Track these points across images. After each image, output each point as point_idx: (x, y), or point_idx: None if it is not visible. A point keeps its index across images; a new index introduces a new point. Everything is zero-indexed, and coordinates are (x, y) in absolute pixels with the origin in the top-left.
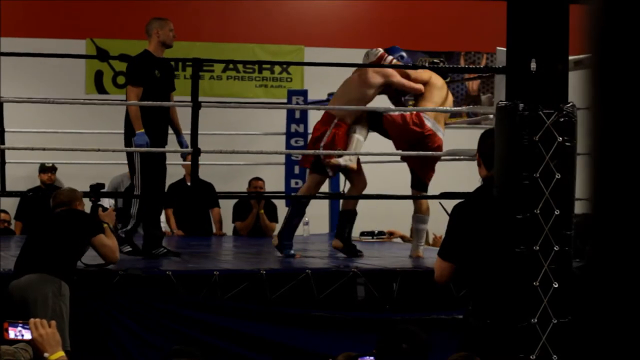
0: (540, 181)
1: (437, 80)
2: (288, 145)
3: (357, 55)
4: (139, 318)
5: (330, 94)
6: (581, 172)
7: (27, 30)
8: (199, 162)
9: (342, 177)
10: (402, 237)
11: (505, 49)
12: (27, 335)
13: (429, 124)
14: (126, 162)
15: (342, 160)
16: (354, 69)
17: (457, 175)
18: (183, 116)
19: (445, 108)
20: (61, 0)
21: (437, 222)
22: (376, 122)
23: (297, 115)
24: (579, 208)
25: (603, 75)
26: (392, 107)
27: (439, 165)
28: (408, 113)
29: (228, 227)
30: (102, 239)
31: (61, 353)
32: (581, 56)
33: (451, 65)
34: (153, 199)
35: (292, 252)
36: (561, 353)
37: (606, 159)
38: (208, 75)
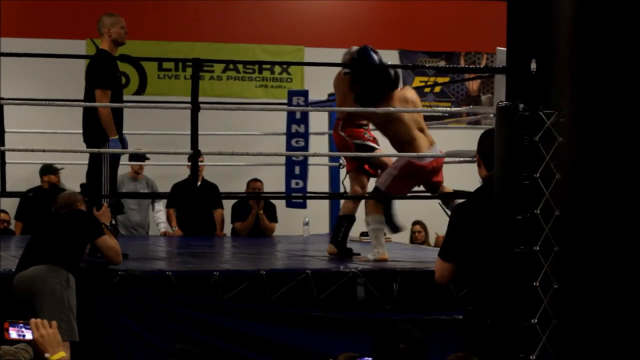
0: (541, 181)
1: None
2: (288, 146)
3: None
4: (139, 318)
5: (330, 95)
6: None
7: (27, 30)
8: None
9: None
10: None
11: (505, 49)
12: (28, 336)
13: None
14: (127, 163)
15: None
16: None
17: (457, 176)
18: (183, 116)
19: (445, 108)
20: (61, 1)
21: (440, 223)
22: None
23: (298, 115)
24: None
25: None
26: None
27: None
28: None
29: (227, 228)
30: (107, 240)
31: (62, 354)
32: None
33: (451, 65)
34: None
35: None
36: (561, 353)
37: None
38: (208, 76)
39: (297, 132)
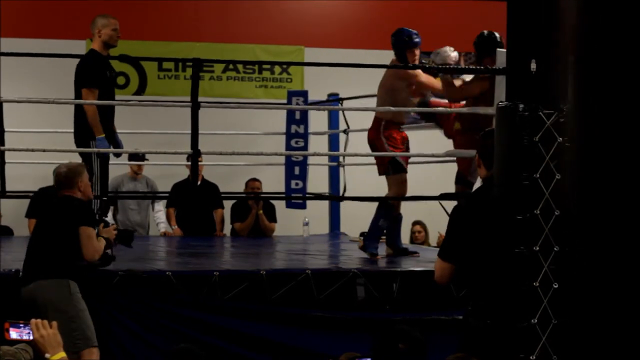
0: (540, 182)
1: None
2: (288, 146)
3: (357, 55)
4: (139, 318)
5: (330, 95)
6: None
7: (28, 30)
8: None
9: (341, 179)
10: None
11: (505, 50)
12: (28, 336)
13: None
14: (126, 162)
15: None
16: (353, 69)
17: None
18: (183, 116)
19: (445, 109)
20: (61, 1)
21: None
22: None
23: (297, 115)
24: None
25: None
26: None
27: (438, 166)
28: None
29: (226, 228)
30: (90, 231)
31: (62, 354)
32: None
33: (451, 66)
34: (106, 203)
35: (375, 252)
36: (561, 353)
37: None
38: (208, 76)
39: (296, 132)
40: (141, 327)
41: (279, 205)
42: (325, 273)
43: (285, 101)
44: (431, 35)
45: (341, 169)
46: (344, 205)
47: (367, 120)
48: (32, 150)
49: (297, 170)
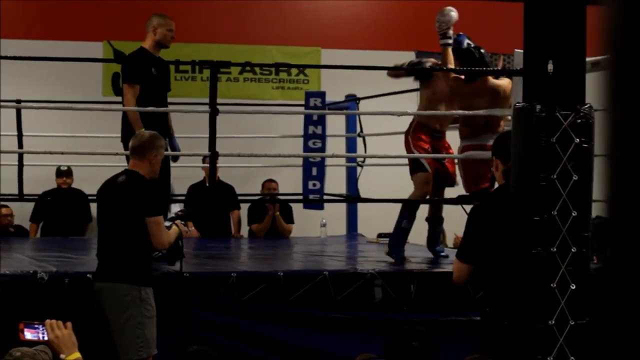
0: (558, 182)
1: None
2: (306, 147)
3: (374, 56)
4: (156, 319)
5: (347, 96)
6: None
7: (45, 32)
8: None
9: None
10: None
11: (522, 50)
12: (43, 337)
13: None
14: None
15: None
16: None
17: None
18: (201, 119)
19: (462, 112)
20: (78, 2)
21: (457, 223)
22: None
23: (315, 117)
24: (596, 210)
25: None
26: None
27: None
28: None
29: (243, 230)
30: (158, 219)
31: (77, 354)
32: (599, 57)
33: (468, 67)
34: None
35: (402, 255)
36: (579, 355)
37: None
38: (225, 77)
39: (314, 133)
40: (157, 328)
41: (297, 207)
42: (342, 274)
43: (302, 103)
44: None
45: (359, 169)
46: (362, 207)
47: (383, 120)
48: (51, 153)
49: (314, 171)
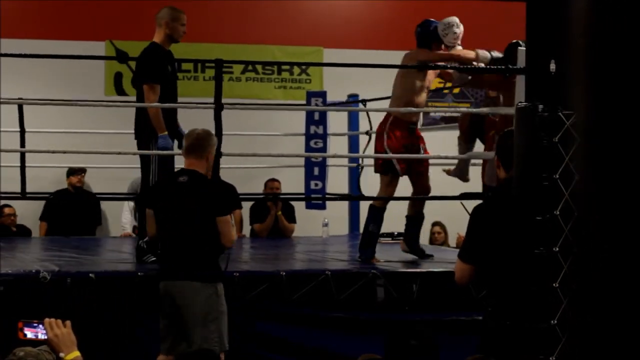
0: (560, 182)
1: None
2: (307, 147)
3: (376, 56)
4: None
5: (350, 96)
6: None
7: (47, 32)
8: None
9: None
10: None
11: (524, 49)
12: (42, 335)
13: None
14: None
15: None
16: (372, 70)
17: (475, 177)
18: (204, 117)
19: (464, 109)
20: (80, 2)
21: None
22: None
23: (317, 116)
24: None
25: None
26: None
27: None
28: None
29: (246, 229)
30: (228, 218)
31: (77, 353)
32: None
33: (471, 66)
34: None
35: (370, 255)
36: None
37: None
38: (227, 77)
39: (315, 133)
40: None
41: (299, 207)
42: (345, 274)
43: (304, 102)
44: None
45: (360, 169)
46: (364, 206)
47: None
48: (53, 152)
49: (316, 171)
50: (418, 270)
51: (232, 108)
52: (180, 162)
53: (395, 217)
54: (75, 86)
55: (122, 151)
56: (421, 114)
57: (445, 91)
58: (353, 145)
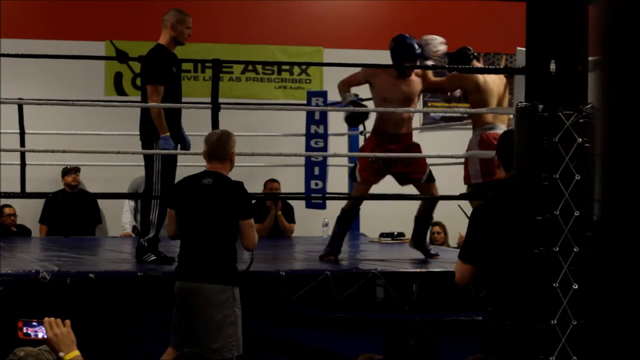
0: (560, 182)
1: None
2: (308, 147)
3: (376, 56)
4: (158, 319)
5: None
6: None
7: (47, 32)
8: None
9: None
10: None
11: (524, 49)
12: (42, 334)
13: None
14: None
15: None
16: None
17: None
18: (202, 118)
19: (465, 109)
20: (80, 2)
21: (460, 223)
22: None
23: (317, 116)
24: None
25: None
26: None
27: (457, 167)
28: None
29: None
30: (252, 221)
31: (76, 352)
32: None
33: (471, 66)
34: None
35: (327, 254)
36: (581, 354)
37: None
38: (227, 77)
39: (316, 132)
40: (160, 328)
41: (299, 206)
42: (344, 274)
43: (304, 102)
44: (450, 36)
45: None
46: (364, 206)
47: None
48: (52, 151)
49: (316, 170)
50: (418, 270)
51: (228, 108)
52: (181, 162)
53: (395, 217)
54: (75, 86)
55: (121, 151)
56: (412, 123)
57: None
58: (353, 145)
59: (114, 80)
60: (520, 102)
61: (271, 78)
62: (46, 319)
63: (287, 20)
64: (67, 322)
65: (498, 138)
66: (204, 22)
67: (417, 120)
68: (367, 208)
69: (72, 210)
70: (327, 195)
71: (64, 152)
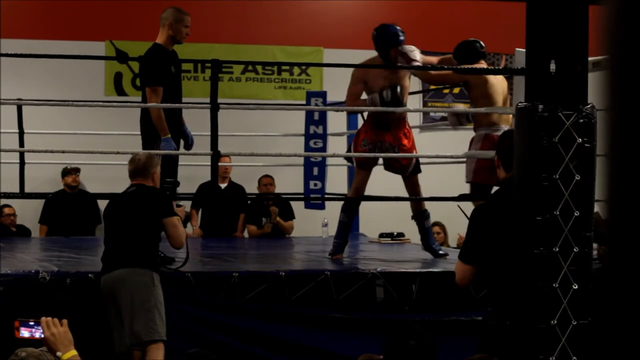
0: (560, 182)
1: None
2: (307, 147)
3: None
4: None
5: None
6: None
7: (47, 32)
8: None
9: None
10: None
11: (524, 50)
12: (39, 334)
13: None
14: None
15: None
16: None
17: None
18: (202, 118)
19: (464, 109)
20: (80, 2)
21: (460, 223)
22: None
23: (316, 116)
24: (598, 209)
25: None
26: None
27: (456, 167)
28: None
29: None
30: (175, 220)
31: (74, 352)
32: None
33: (470, 67)
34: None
35: (334, 252)
36: (581, 355)
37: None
38: (227, 77)
39: (315, 133)
40: None
41: (298, 207)
42: (344, 274)
43: (304, 102)
44: (450, 36)
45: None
46: (363, 206)
47: None
48: (52, 152)
49: (315, 170)
50: (418, 270)
51: (228, 108)
52: (183, 162)
53: (395, 218)
54: (75, 86)
55: (121, 151)
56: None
57: (446, 91)
58: (351, 145)
59: (114, 80)
60: (520, 103)
61: (271, 78)
62: (43, 318)
63: (287, 20)
64: (64, 321)
65: (499, 137)
66: (203, 22)
67: (417, 121)
68: (367, 208)
69: (72, 210)
70: (326, 196)
71: (63, 152)
